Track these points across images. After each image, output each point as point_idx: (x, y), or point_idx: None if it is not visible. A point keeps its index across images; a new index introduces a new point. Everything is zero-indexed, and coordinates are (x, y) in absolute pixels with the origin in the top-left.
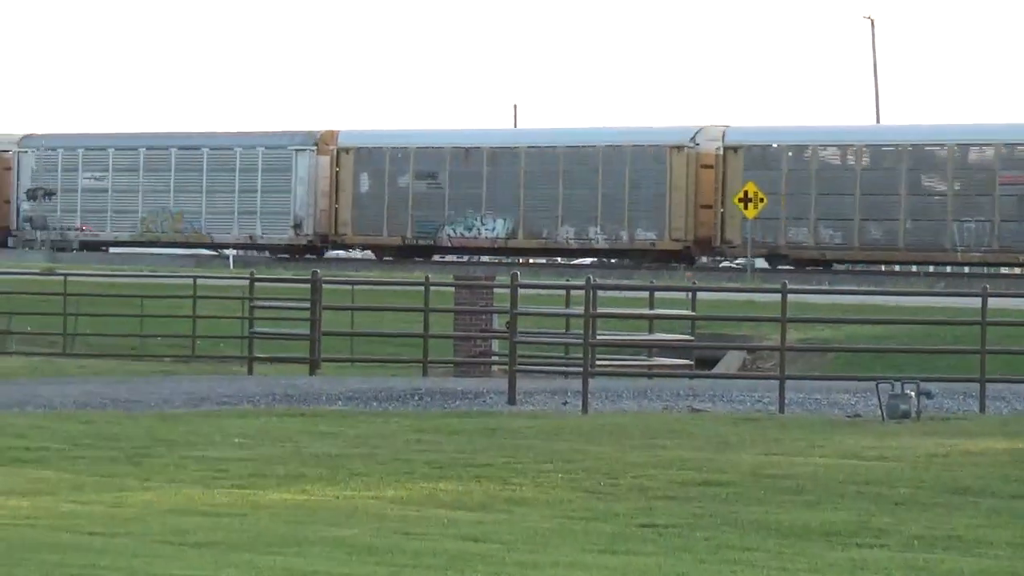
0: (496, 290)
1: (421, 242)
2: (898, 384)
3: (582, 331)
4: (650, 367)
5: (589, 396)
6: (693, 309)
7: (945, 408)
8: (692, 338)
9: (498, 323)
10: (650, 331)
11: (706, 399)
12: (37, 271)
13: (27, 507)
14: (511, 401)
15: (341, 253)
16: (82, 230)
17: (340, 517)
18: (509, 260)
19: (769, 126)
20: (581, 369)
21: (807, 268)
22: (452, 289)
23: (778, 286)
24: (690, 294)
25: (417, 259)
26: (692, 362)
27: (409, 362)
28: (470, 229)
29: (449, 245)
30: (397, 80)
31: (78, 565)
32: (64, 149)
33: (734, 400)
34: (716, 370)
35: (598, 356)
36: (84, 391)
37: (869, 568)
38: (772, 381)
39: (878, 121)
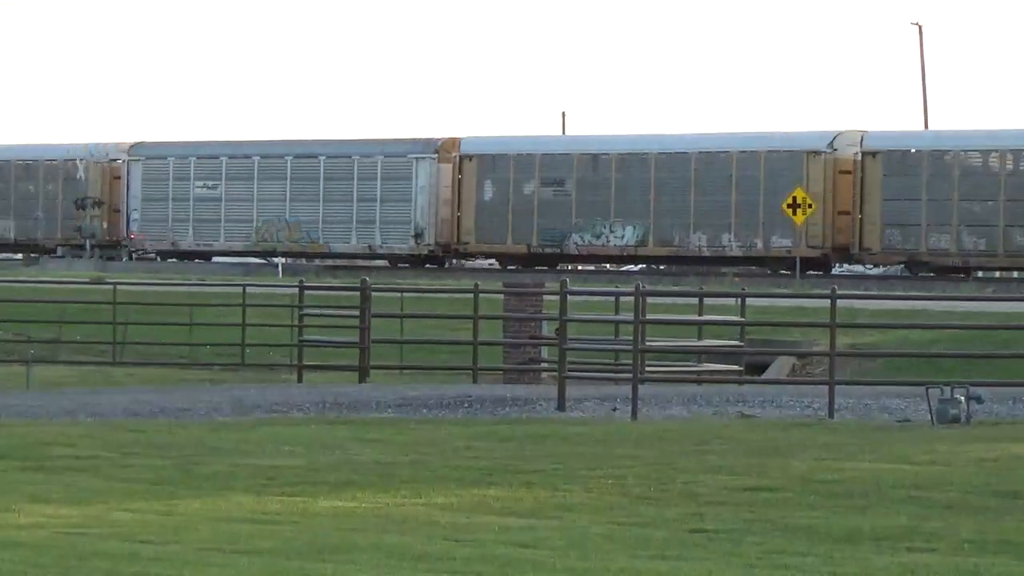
0: (545, 297)
1: (547, 250)
2: (948, 389)
3: (632, 337)
4: (699, 373)
5: (639, 402)
6: (742, 315)
7: (995, 413)
8: (741, 344)
9: (547, 330)
10: (699, 337)
11: (755, 405)
12: (86, 280)
13: (78, 516)
14: (561, 408)
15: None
16: (131, 238)
17: (390, 524)
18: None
19: (908, 131)
20: (631, 375)
21: (949, 276)
22: (501, 296)
23: (827, 292)
24: (739, 300)
25: (540, 268)
26: (741, 368)
27: (458, 369)
28: (598, 237)
29: (576, 253)
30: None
31: (129, 573)
32: (175, 158)
33: (783, 405)
34: (765, 376)
35: (647, 362)
36: (134, 400)
37: (920, 573)
38: (822, 386)
39: (926, 126)
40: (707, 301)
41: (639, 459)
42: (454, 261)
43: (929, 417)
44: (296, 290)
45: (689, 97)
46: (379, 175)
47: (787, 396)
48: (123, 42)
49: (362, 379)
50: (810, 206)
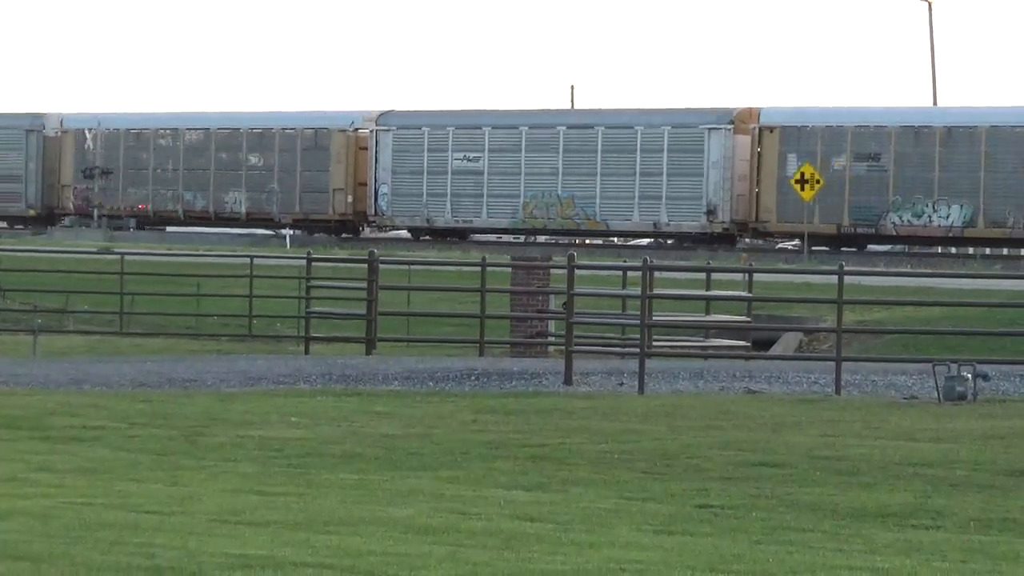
0: (552, 271)
1: (859, 230)
2: (954, 366)
3: (639, 312)
4: (706, 348)
5: (645, 377)
6: (749, 290)
7: (1001, 390)
8: (748, 319)
9: (555, 304)
10: (707, 312)
11: (762, 380)
12: (94, 250)
13: (84, 486)
14: (567, 381)
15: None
16: (139, 210)
17: (396, 497)
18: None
19: None
20: (638, 350)
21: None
22: (509, 270)
23: (835, 268)
24: (746, 275)
25: (848, 249)
26: (748, 343)
27: (466, 342)
28: (919, 216)
29: (894, 234)
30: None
31: (134, 543)
32: (431, 127)
33: (790, 381)
34: (772, 351)
35: (654, 337)
36: (141, 370)
37: (925, 549)
38: (828, 362)
39: (935, 103)
40: (715, 276)
41: (645, 434)
42: (747, 240)
43: (936, 394)
44: (304, 261)
45: (703, 69)
46: (666, 147)
47: (794, 372)
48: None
49: (369, 351)
50: (818, 182)
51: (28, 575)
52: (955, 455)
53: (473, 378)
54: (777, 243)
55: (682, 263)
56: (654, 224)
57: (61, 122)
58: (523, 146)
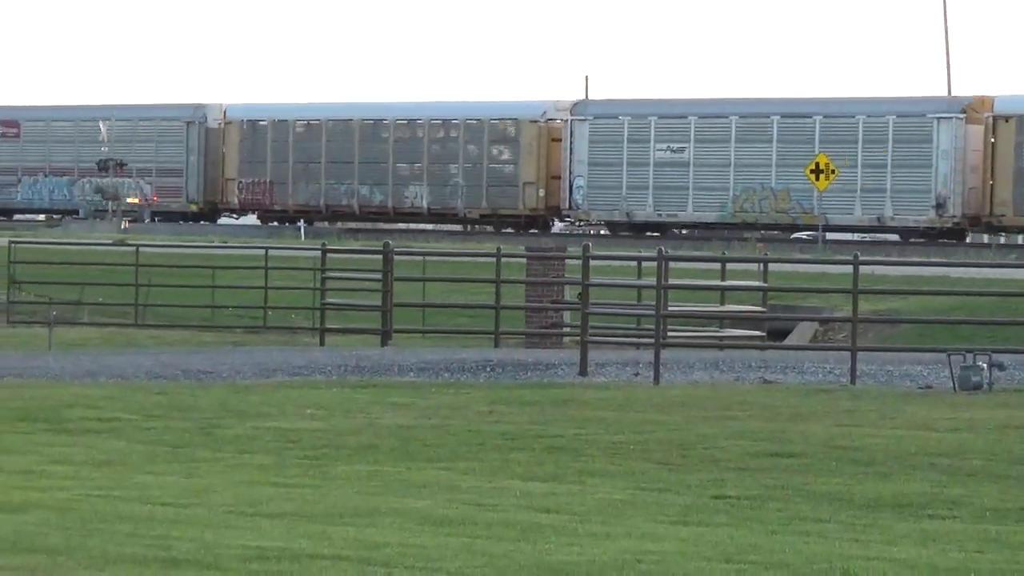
0: (568, 261)
1: None
2: (970, 356)
3: (654, 302)
4: (722, 338)
5: (661, 367)
6: (764, 280)
7: (1017, 380)
8: (764, 310)
9: (570, 294)
10: (722, 303)
11: (777, 371)
12: (110, 242)
13: (99, 477)
14: (583, 372)
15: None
16: (152, 201)
17: (412, 488)
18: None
19: None
20: (653, 340)
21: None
22: (524, 260)
23: (850, 257)
24: (761, 265)
25: None
26: (764, 333)
27: (481, 333)
28: None
29: None
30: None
31: (151, 536)
32: (631, 117)
33: (805, 372)
34: (788, 341)
35: (670, 327)
36: (156, 362)
37: (941, 539)
38: (844, 352)
39: (949, 92)
40: (729, 266)
41: (661, 424)
42: (985, 237)
43: (951, 384)
44: (319, 253)
45: (721, 59)
46: (890, 137)
47: (809, 362)
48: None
49: (384, 343)
50: (833, 171)
51: (45, 568)
52: (971, 445)
53: (488, 369)
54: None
55: (697, 253)
56: (878, 218)
57: (224, 113)
58: (732, 136)
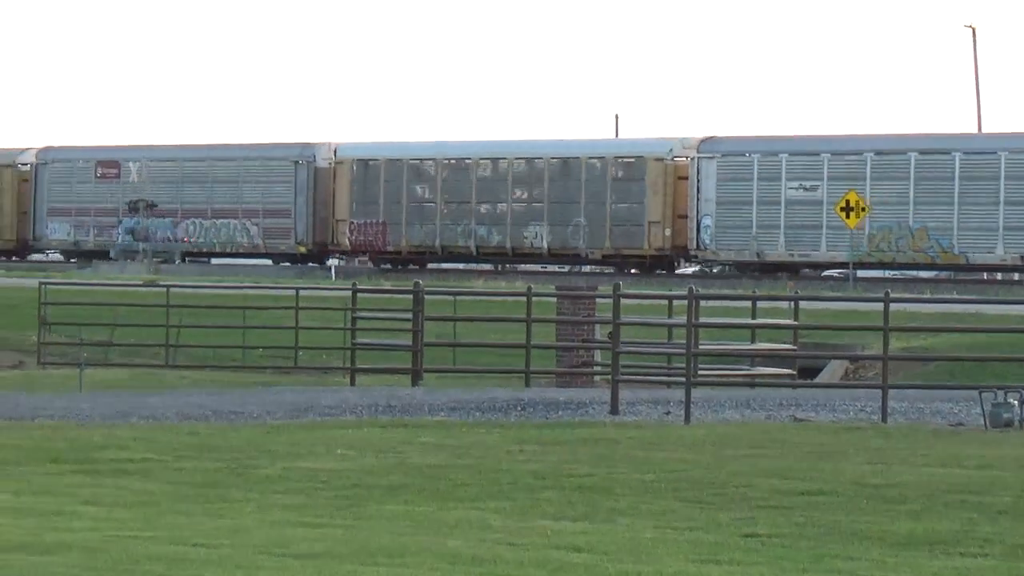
0: (598, 300)
1: None
2: (1001, 393)
3: (684, 341)
4: (752, 376)
5: (692, 406)
6: (795, 318)
7: None
8: (794, 347)
9: (600, 333)
10: (752, 341)
11: (808, 408)
12: (140, 283)
13: (130, 518)
14: (614, 411)
15: None
16: (185, 241)
17: (443, 528)
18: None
19: None
20: (684, 379)
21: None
22: (554, 299)
23: (880, 295)
24: (792, 303)
25: None
26: (794, 371)
27: (511, 372)
28: None
29: None
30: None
31: None
32: (760, 154)
33: (836, 409)
34: (818, 379)
35: (700, 366)
36: (186, 402)
37: None
38: (874, 390)
39: (980, 128)
40: (760, 304)
41: (692, 463)
42: None
43: (982, 421)
44: (349, 293)
45: (741, 97)
46: None
47: (840, 400)
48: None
49: (415, 382)
50: (863, 209)
51: None
52: (1002, 482)
53: (519, 408)
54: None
55: (728, 291)
56: (1021, 257)
57: (334, 152)
58: (868, 174)
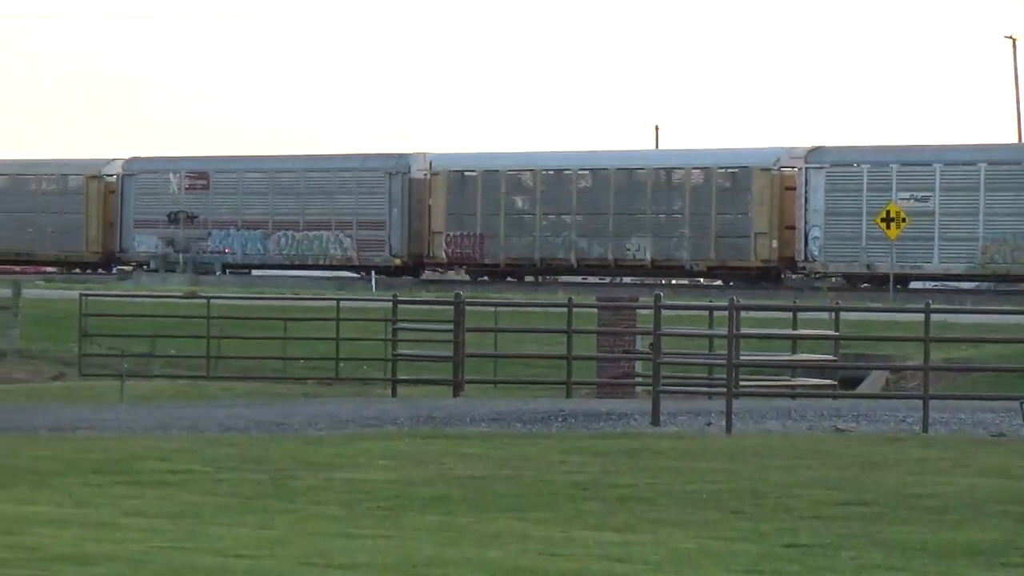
0: (639, 311)
1: None
2: None
3: (726, 351)
4: (793, 387)
5: (733, 416)
6: (836, 329)
7: None
8: (835, 358)
9: (641, 344)
10: (793, 351)
11: (850, 419)
12: (180, 294)
13: (172, 530)
14: (655, 422)
15: None
16: (223, 252)
17: (485, 538)
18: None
19: None
20: (725, 390)
21: None
22: (595, 310)
23: (921, 306)
24: (833, 314)
25: None
26: (835, 382)
27: (553, 383)
28: None
29: None
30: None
31: None
32: (871, 165)
33: (878, 420)
34: (860, 390)
35: (741, 376)
36: (228, 414)
37: None
38: (916, 401)
39: (1020, 138)
40: (801, 315)
41: (733, 473)
42: None
43: None
44: (390, 304)
45: (775, 107)
46: None
47: (881, 410)
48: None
49: (456, 393)
50: (903, 220)
51: None
52: None
53: (561, 419)
54: None
55: (769, 302)
56: None
57: (429, 163)
58: (982, 184)
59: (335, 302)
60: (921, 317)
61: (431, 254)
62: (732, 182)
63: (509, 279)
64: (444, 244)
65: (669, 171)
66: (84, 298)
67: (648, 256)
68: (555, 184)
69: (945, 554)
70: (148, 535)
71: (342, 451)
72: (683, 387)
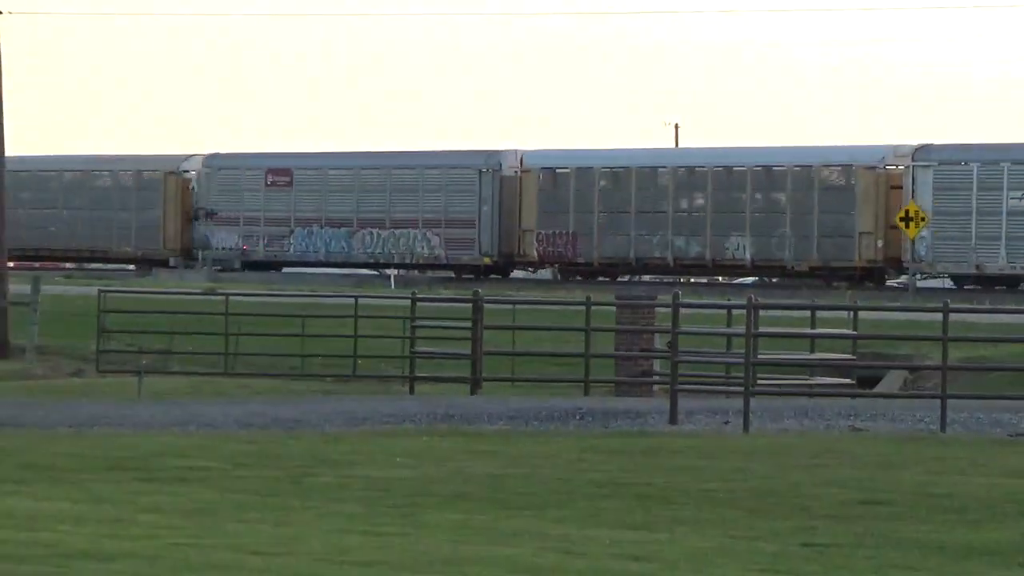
0: (657, 309)
1: None
2: None
3: (743, 350)
4: (811, 386)
5: (750, 415)
6: (854, 328)
7: None
8: (853, 357)
9: (659, 342)
10: (811, 350)
11: (867, 418)
12: (199, 291)
13: (190, 526)
14: (672, 421)
15: None
16: (244, 250)
17: (502, 536)
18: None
19: None
20: (742, 388)
21: None
22: (613, 308)
23: (939, 305)
24: (851, 313)
25: None
26: (853, 381)
27: (570, 381)
28: None
29: None
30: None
31: None
32: (981, 163)
33: (895, 419)
34: (877, 389)
35: (759, 375)
36: (246, 411)
37: None
38: (934, 400)
39: None
40: (819, 314)
41: (751, 472)
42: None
43: None
44: (408, 302)
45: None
46: None
47: (899, 410)
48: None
49: (474, 391)
50: (923, 219)
51: None
52: None
53: (578, 417)
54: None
55: (787, 301)
56: None
57: (520, 160)
58: None
59: (353, 299)
60: (940, 316)
61: (522, 252)
62: (836, 180)
63: (601, 278)
64: (535, 242)
65: (769, 168)
66: (103, 295)
67: (748, 255)
68: (651, 181)
69: (963, 554)
70: (165, 532)
71: (359, 448)
72: (701, 386)
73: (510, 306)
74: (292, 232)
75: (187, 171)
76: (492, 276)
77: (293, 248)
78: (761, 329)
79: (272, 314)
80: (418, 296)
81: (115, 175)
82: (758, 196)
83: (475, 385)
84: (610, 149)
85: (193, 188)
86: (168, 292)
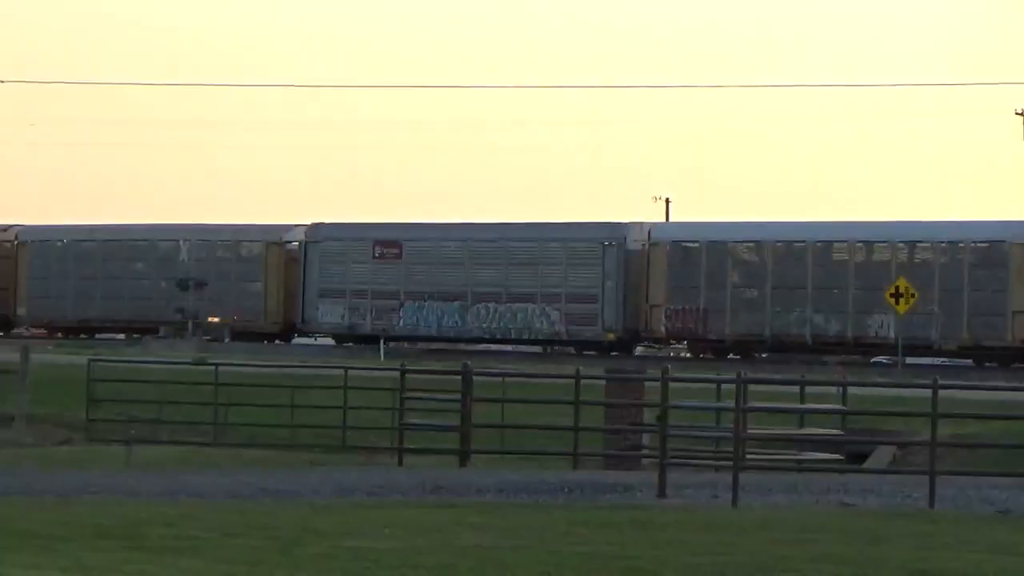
0: (647, 383)
1: None
2: None
3: (732, 425)
4: (800, 461)
5: (739, 489)
6: (844, 404)
7: None
8: (842, 432)
9: (648, 416)
10: (800, 425)
11: (856, 494)
12: (188, 360)
13: None
14: (661, 494)
15: None
16: (234, 319)
17: None
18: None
19: None
20: (731, 463)
21: None
22: (603, 382)
23: (928, 381)
24: (840, 388)
25: None
26: (842, 456)
27: (559, 454)
28: None
29: None
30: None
31: None
32: None
33: (884, 495)
34: (866, 465)
35: (748, 450)
36: (235, 481)
37: None
38: (923, 476)
39: None
40: (808, 389)
41: (739, 547)
42: None
43: None
44: (397, 373)
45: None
46: None
47: (888, 485)
48: None
49: (463, 463)
50: (912, 295)
51: None
52: None
53: (567, 490)
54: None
55: (776, 376)
56: None
57: (648, 234)
58: None
59: (342, 370)
60: (929, 393)
61: (648, 328)
62: (987, 257)
63: (732, 356)
64: (664, 318)
65: (913, 244)
66: (92, 363)
67: (892, 333)
68: (787, 256)
69: None
70: None
71: (348, 519)
72: (690, 460)
73: (499, 378)
74: (402, 306)
75: (291, 242)
76: (612, 353)
77: (403, 322)
78: (750, 404)
79: (261, 384)
80: (407, 368)
81: (213, 246)
82: (902, 273)
83: (464, 457)
84: (744, 222)
85: (298, 260)
86: (158, 362)
